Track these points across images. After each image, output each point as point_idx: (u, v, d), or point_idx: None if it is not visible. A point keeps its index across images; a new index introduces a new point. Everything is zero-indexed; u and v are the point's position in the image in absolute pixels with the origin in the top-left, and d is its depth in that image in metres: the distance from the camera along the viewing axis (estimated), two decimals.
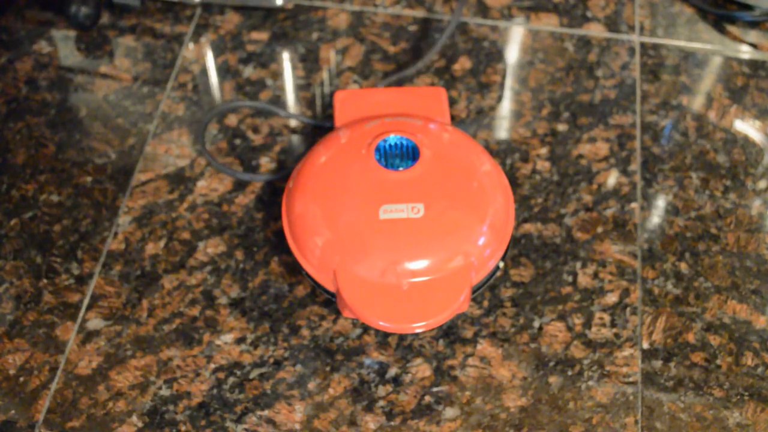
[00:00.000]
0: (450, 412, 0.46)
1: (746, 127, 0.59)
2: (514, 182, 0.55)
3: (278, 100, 0.59)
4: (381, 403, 0.46)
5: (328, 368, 0.47)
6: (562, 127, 0.58)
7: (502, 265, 0.48)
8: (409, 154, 0.48)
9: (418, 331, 0.44)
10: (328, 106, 0.59)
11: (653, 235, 0.53)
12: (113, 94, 0.60)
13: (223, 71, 0.61)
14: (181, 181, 0.55)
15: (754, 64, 0.62)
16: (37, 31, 0.63)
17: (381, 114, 0.52)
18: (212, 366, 0.47)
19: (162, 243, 0.52)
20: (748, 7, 0.64)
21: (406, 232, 0.45)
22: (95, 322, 0.49)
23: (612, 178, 0.56)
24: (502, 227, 0.47)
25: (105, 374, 0.47)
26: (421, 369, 0.47)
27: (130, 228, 0.53)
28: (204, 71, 0.61)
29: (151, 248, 0.52)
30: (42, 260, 0.51)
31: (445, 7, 0.65)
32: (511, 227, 0.48)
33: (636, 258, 0.52)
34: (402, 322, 0.43)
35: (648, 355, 0.48)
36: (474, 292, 0.47)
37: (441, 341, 0.48)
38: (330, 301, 0.50)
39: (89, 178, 0.55)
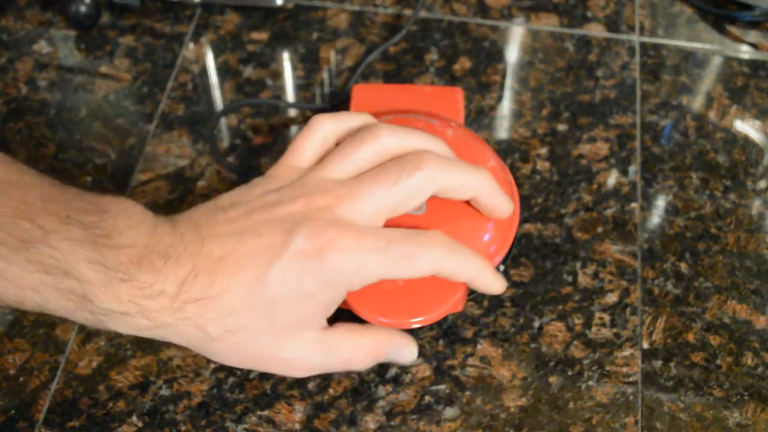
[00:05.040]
0: (450, 411, 0.46)
1: (746, 127, 0.59)
2: (514, 182, 0.55)
3: (278, 100, 0.59)
4: (381, 403, 0.46)
5: None
6: (562, 127, 0.58)
7: (502, 268, 0.48)
8: None
9: (415, 326, 0.43)
10: (328, 106, 0.59)
11: (653, 235, 0.53)
12: (113, 94, 0.60)
13: (223, 71, 0.61)
14: (181, 181, 0.55)
15: (754, 64, 0.62)
16: (37, 31, 0.63)
17: (395, 110, 0.52)
18: (212, 366, 0.47)
19: None
20: (748, 7, 0.64)
21: (406, 228, 0.45)
22: None
23: (612, 178, 0.56)
24: (505, 227, 0.47)
25: (105, 374, 0.47)
26: (421, 369, 0.47)
27: None
28: (204, 71, 0.61)
29: None
30: None
31: (445, 7, 0.65)
32: (515, 227, 0.48)
33: (636, 258, 0.52)
34: (400, 318, 0.43)
35: (648, 355, 0.48)
36: (474, 291, 0.47)
37: (441, 341, 0.48)
38: None
39: (89, 178, 0.55)
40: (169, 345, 0.48)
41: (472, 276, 0.40)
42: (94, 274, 0.34)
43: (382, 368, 0.47)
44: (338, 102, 0.59)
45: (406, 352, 0.42)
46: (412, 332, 0.48)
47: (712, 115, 0.60)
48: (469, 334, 0.49)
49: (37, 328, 0.49)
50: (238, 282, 0.36)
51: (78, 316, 0.37)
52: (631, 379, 0.47)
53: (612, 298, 0.50)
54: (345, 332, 0.41)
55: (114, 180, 0.55)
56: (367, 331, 0.41)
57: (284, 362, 0.39)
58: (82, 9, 0.61)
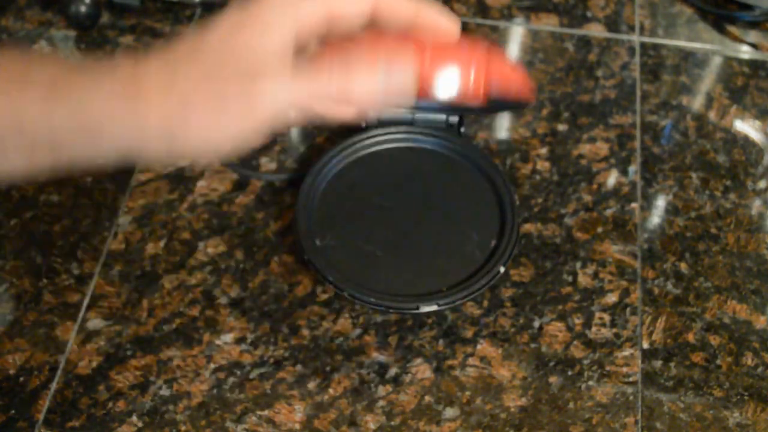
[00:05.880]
0: (450, 412, 0.46)
1: (746, 127, 0.59)
2: (515, 182, 0.55)
3: None
4: (381, 403, 0.46)
5: (328, 368, 0.47)
6: (562, 127, 0.58)
7: (503, 269, 0.48)
8: None
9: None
10: None
11: (653, 235, 0.53)
12: None
13: None
14: (181, 181, 0.55)
15: (754, 64, 0.62)
16: (37, 31, 0.63)
17: None
18: (212, 366, 0.47)
19: (162, 243, 0.52)
20: (748, 7, 0.64)
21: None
22: (95, 322, 0.49)
23: (612, 178, 0.56)
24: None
25: (105, 374, 0.47)
26: (421, 369, 0.47)
27: (130, 228, 0.53)
28: None
29: (151, 248, 0.52)
30: (42, 260, 0.51)
31: (445, 7, 0.65)
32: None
33: (636, 258, 0.52)
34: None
35: (648, 355, 0.48)
36: (474, 292, 0.47)
37: (441, 341, 0.48)
38: (330, 301, 0.50)
39: (89, 178, 0.55)
40: (169, 345, 0.48)
41: None
42: (75, 72, 0.37)
43: (382, 368, 0.47)
44: None
45: (398, 68, 0.38)
46: (412, 333, 0.48)
47: (712, 115, 0.59)
48: (469, 334, 0.49)
49: (37, 328, 0.49)
50: (187, 43, 0.39)
51: (74, 123, 0.36)
52: (631, 379, 0.47)
53: (612, 298, 0.50)
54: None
55: (114, 180, 0.55)
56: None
57: (255, 103, 0.37)
58: (82, 9, 0.61)
